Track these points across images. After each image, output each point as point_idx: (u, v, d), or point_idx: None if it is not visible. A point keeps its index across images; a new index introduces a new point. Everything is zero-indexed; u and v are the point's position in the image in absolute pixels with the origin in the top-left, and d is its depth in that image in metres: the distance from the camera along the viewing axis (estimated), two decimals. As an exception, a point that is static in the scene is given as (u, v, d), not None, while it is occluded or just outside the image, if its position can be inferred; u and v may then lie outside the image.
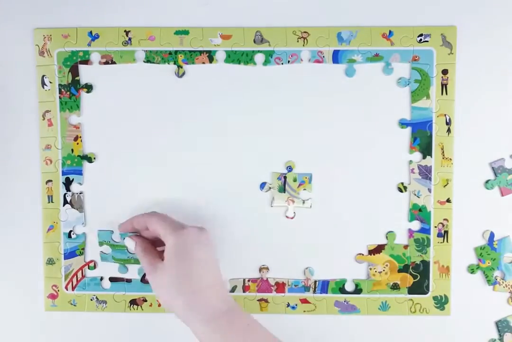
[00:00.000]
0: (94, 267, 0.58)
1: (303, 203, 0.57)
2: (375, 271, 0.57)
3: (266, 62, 0.56)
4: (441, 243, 0.56)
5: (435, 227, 0.56)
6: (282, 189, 0.57)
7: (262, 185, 0.57)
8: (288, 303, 0.57)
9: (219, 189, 0.57)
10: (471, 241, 0.57)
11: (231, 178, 0.57)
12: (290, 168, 0.57)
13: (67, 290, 0.58)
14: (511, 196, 0.57)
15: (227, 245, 0.57)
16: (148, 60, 0.57)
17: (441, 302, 0.57)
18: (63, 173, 0.57)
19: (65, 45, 0.56)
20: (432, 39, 0.55)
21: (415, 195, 0.56)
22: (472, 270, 0.57)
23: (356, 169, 0.56)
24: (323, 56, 0.56)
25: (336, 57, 0.56)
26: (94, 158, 0.57)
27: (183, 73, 0.57)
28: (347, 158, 0.56)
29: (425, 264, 0.56)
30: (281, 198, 0.57)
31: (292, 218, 0.57)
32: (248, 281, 0.57)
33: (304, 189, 0.57)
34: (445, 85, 0.56)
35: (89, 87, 0.57)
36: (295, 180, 0.57)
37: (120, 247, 0.55)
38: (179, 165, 0.57)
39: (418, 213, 0.56)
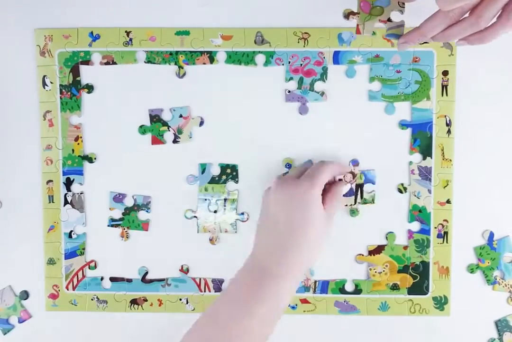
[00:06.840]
0: (95, 267, 0.58)
1: None
2: (375, 272, 0.57)
3: (266, 63, 0.56)
4: (441, 244, 0.56)
5: (435, 228, 0.56)
6: None
7: None
8: (288, 303, 0.58)
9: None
10: (471, 241, 0.57)
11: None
12: (289, 165, 0.57)
13: (67, 290, 0.58)
14: (511, 196, 0.57)
15: (228, 245, 0.57)
16: (149, 61, 0.56)
17: (441, 303, 0.57)
18: (64, 173, 0.57)
19: (66, 46, 0.56)
20: (432, 40, 0.55)
21: (415, 195, 0.56)
22: (471, 269, 0.57)
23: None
24: (324, 57, 0.56)
25: (337, 58, 0.56)
26: (95, 158, 0.57)
27: (184, 74, 0.56)
28: (348, 159, 0.56)
29: (425, 265, 0.57)
30: None
31: None
32: (249, 281, 0.58)
33: None
34: (446, 86, 0.56)
35: (90, 88, 0.57)
36: None
37: None
38: (179, 166, 0.57)
39: (418, 213, 0.57)
